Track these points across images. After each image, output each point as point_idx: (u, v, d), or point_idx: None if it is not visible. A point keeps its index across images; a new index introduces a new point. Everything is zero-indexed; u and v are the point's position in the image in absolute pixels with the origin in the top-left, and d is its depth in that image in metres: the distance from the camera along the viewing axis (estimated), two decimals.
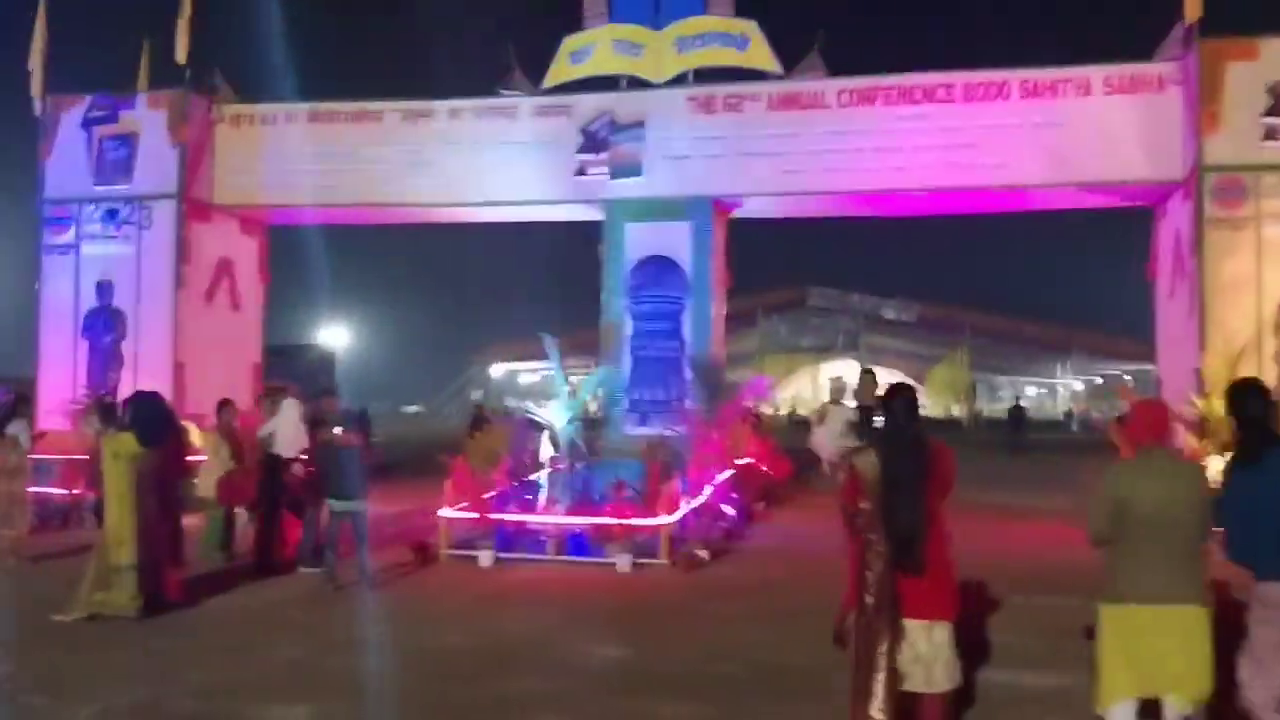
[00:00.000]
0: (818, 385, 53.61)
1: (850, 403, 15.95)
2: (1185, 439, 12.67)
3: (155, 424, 8.78)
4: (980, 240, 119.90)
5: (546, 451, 13.23)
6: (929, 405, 67.35)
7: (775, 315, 66.46)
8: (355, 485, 9.89)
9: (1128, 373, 56.02)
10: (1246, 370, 12.15)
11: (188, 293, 16.48)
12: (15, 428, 11.40)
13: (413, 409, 67.39)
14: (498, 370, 65.42)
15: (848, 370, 30.96)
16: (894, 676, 4.99)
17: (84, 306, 16.53)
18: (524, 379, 61.90)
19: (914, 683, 5.09)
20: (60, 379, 16.38)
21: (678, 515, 11.47)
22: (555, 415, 13.60)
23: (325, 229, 20.49)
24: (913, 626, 5.07)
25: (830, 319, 67.84)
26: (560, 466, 13.24)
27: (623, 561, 10.83)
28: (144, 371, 16.15)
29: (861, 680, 4.99)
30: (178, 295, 16.31)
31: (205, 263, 16.97)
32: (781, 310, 67.04)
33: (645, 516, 11.23)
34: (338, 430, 10.31)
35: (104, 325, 16.36)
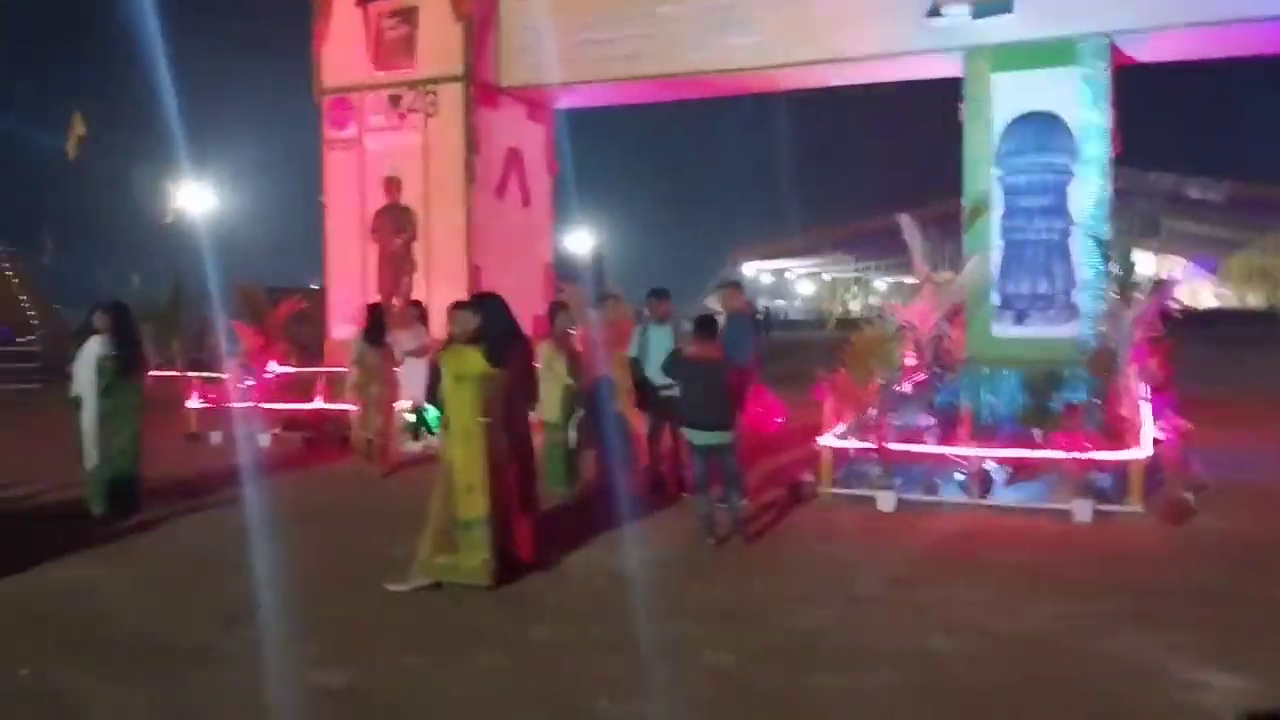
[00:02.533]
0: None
1: None
2: None
3: (507, 337, 6.75)
4: None
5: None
6: (1226, 296, 59.97)
7: None
8: (721, 412, 7.61)
9: None
10: None
11: (479, 187, 14.70)
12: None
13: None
14: (754, 269, 62.09)
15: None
16: None
17: (370, 205, 15.08)
18: (791, 279, 58.73)
19: None
20: (348, 286, 15.05)
21: (1149, 447, 8.64)
22: (920, 315, 11.06)
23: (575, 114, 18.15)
24: None
25: (1125, 201, 60.61)
26: (920, 379, 10.71)
27: (1082, 509, 8.14)
28: (436, 275, 14.60)
29: None
30: (469, 190, 14.55)
31: (494, 154, 15.10)
32: None
33: (1108, 448, 8.48)
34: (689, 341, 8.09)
35: (393, 225, 14.86)
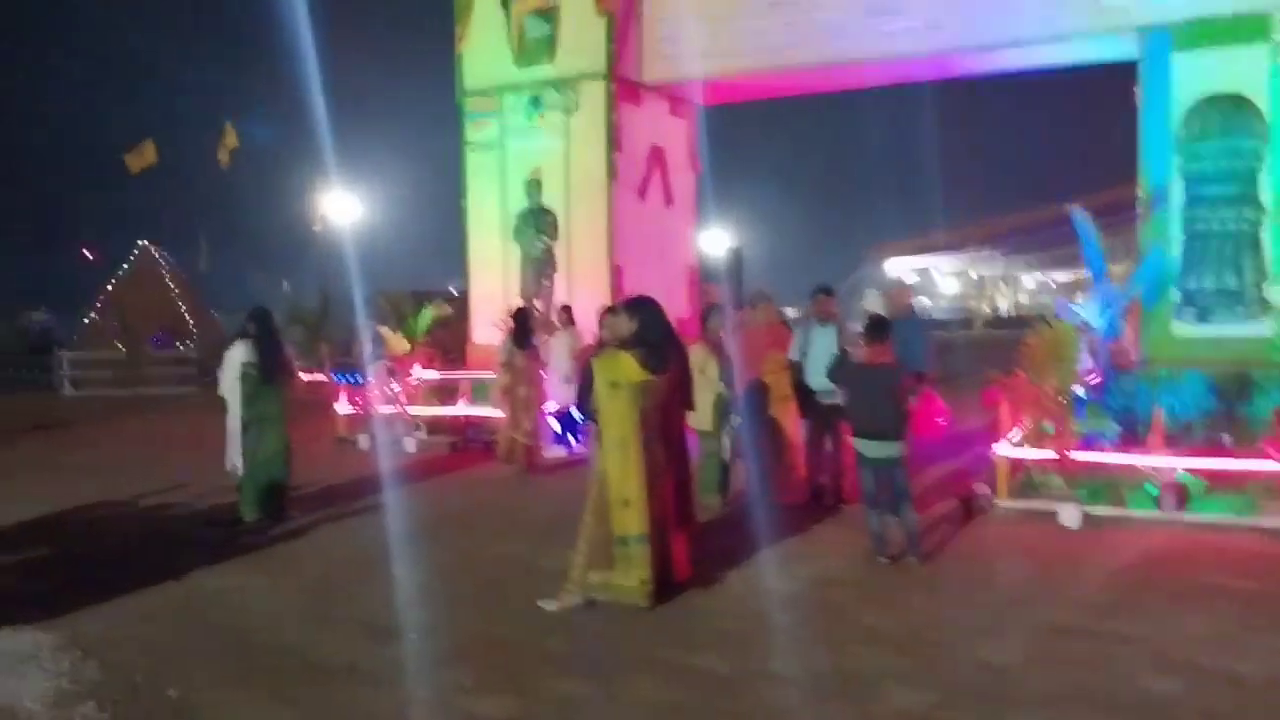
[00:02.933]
0: None
1: None
2: None
3: (664, 342, 6.34)
4: None
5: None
6: None
7: None
8: (893, 421, 7.02)
9: None
10: None
11: (620, 186, 14.39)
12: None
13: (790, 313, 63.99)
14: (895, 267, 60.09)
15: None
16: None
17: (511, 207, 14.92)
18: (935, 276, 56.71)
19: None
20: (489, 288, 14.91)
21: None
22: (1091, 312, 10.27)
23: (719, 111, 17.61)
24: None
25: None
26: (1095, 381, 9.89)
27: None
28: (578, 277, 14.34)
29: None
30: (611, 189, 14.25)
31: (636, 152, 14.75)
32: None
33: None
34: (859, 344, 7.55)
35: (534, 226, 14.65)
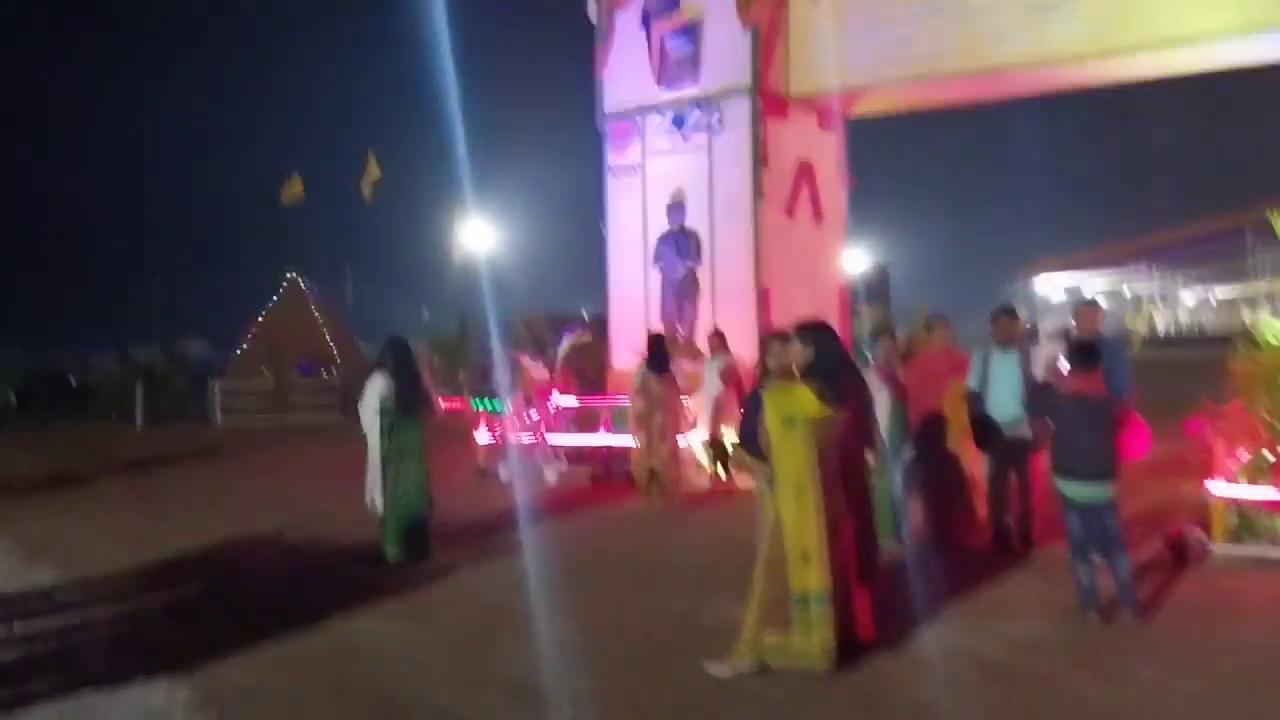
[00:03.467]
0: None
1: None
2: None
3: (842, 372, 5.67)
4: None
5: None
6: None
7: None
8: (1107, 460, 6.14)
9: None
10: None
11: (767, 204, 13.73)
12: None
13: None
14: (1046, 285, 56.84)
15: None
16: None
17: (652, 230, 14.42)
18: (1087, 294, 53.57)
19: None
20: (631, 313, 14.42)
21: None
22: None
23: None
24: None
25: None
26: None
27: None
28: (723, 300, 13.73)
29: None
30: (757, 207, 13.60)
31: (784, 168, 14.08)
32: None
33: None
34: (1062, 371, 6.71)
35: (677, 250, 14.13)
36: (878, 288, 25.58)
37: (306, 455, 16.72)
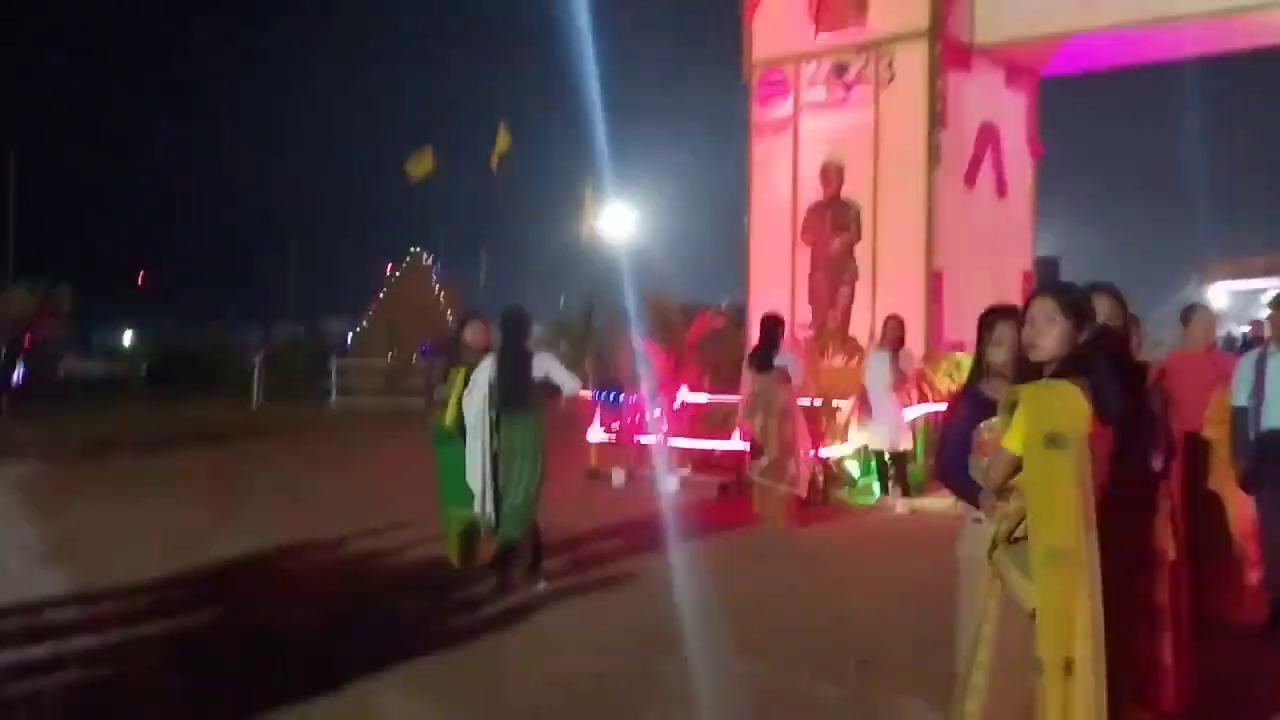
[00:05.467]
0: None
1: None
2: None
3: (1116, 368, 3.57)
4: None
5: None
6: None
7: None
8: None
9: None
10: None
11: (944, 173, 11.50)
12: (783, 359, 8.97)
13: None
14: (1222, 291, 50.98)
15: None
16: None
17: (803, 201, 12.34)
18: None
19: None
20: (775, 297, 12.29)
21: None
22: None
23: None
24: None
25: None
26: None
27: None
28: (885, 284, 11.59)
29: None
30: (932, 176, 11.38)
31: (965, 130, 11.85)
32: None
33: None
34: None
35: (832, 224, 12.01)
36: (1045, 277, 22.87)
37: (410, 443, 15.20)
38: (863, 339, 11.39)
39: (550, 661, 5.34)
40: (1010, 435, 3.21)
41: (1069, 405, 3.17)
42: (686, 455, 11.32)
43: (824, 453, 10.09)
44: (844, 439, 10.36)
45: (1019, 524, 3.23)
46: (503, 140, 25.14)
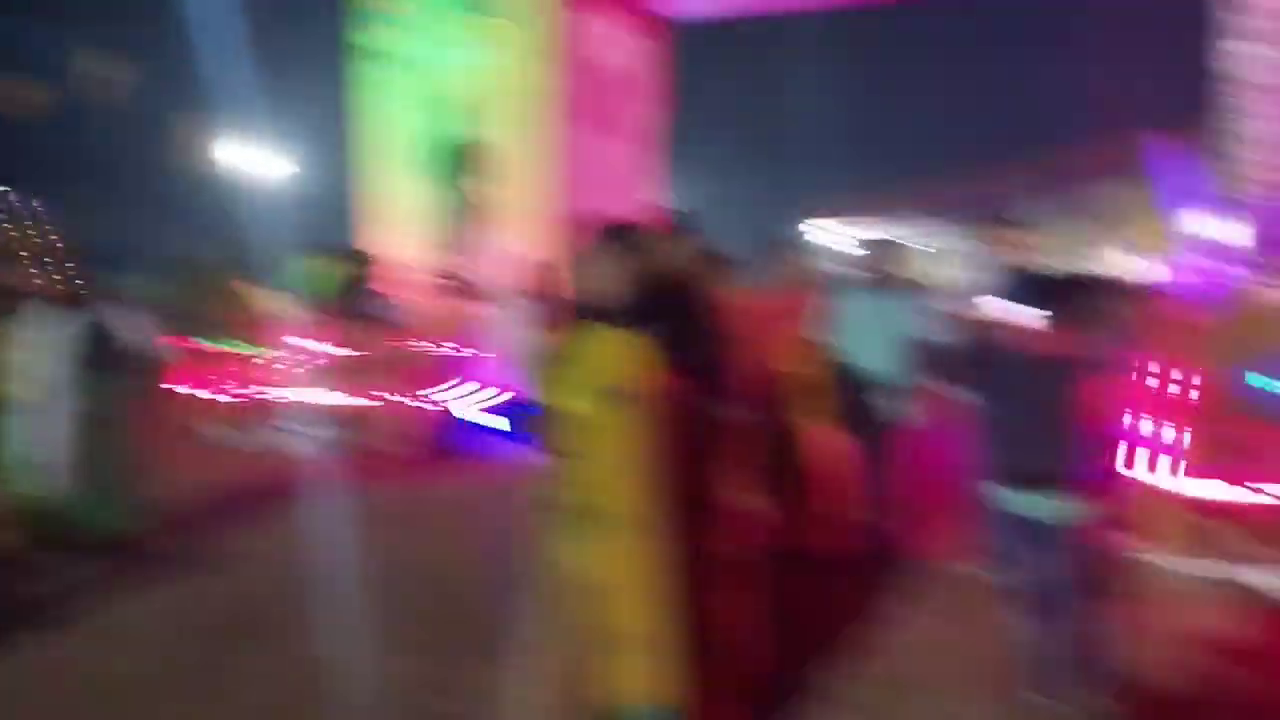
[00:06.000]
0: None
1: None
2: None
3: (692, 321, 3.34)
4: None
5: None
6: None
7: None
8: (1069, 457, 3.91)
9: None
10: None
11: (571, 115, 11.32)
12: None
13: None
14: (817, 231, 54.36)
15: None
16: None
17: (419, 138, 11.73)
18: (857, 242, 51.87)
19: None
20: (388, 242, 11.73)
21: None
22: None
23: None
24: None
25: None
26: None
27: None
28: (514, 229, 11.31)
29: None
30: (554, 117, 11.15)
31: (592, 73, 11.72)
32: None
33: None
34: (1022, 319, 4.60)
35: (455, 164, 11.53)
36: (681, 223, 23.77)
37: None
38: (491, 285, 11.07)
39: (91, 660, 4.61)
40: (563, 389, 2.93)
41: (633, 356, 2.93)
42: (313, 411, 10.48)
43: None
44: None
45: (576, 487, 2.97)
46: (106, 69, 22.62)
